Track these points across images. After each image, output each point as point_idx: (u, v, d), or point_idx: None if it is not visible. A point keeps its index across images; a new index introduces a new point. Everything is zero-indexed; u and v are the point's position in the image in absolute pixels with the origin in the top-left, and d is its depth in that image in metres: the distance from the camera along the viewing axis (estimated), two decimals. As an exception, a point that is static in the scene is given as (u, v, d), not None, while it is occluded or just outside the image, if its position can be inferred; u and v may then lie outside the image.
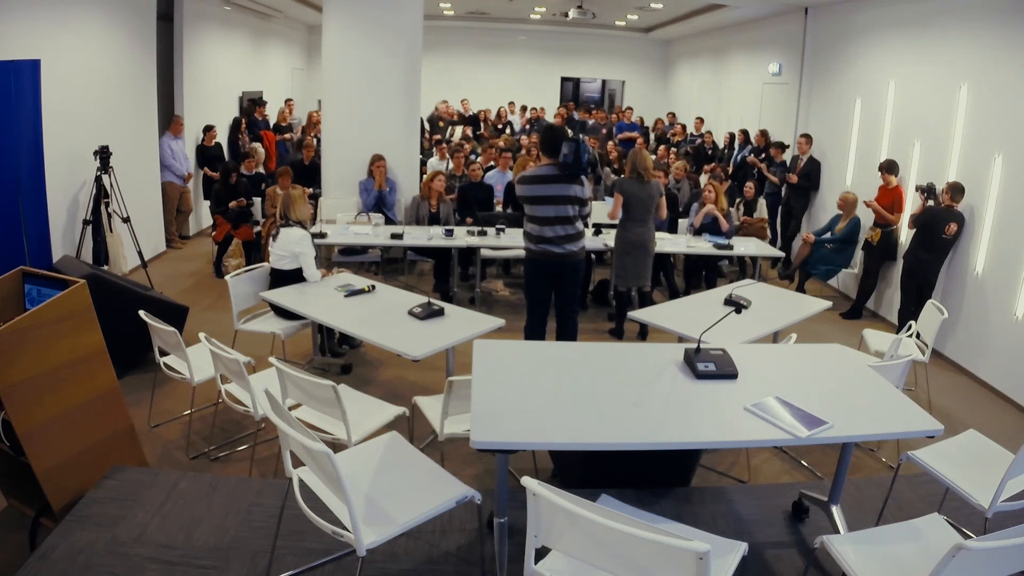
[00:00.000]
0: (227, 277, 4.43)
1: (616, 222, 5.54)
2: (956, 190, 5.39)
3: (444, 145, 9.30)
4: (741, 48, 10.78)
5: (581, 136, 4.67)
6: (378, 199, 7.17)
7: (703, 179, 8.00)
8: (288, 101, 11.18)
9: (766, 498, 3.18)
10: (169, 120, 7.86)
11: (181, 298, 5.37)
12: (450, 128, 11.52)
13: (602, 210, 7.48)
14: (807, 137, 7.92)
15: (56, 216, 5.58)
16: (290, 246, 4.45)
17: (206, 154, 8.39)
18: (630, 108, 13.16)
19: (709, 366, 2.71)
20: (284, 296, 4.31)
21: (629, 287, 5.57)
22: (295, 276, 4.50)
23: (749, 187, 7.58)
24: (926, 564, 1.91)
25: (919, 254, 5.65)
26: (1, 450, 2.86)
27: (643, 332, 5.67)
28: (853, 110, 7.25)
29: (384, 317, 3.93)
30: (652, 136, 11.96)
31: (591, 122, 12.34)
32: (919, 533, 2.30)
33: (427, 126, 10.89)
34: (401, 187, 7.40)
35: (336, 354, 4.95)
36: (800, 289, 6.84)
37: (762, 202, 7.84)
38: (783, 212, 8.31)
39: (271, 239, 4.59)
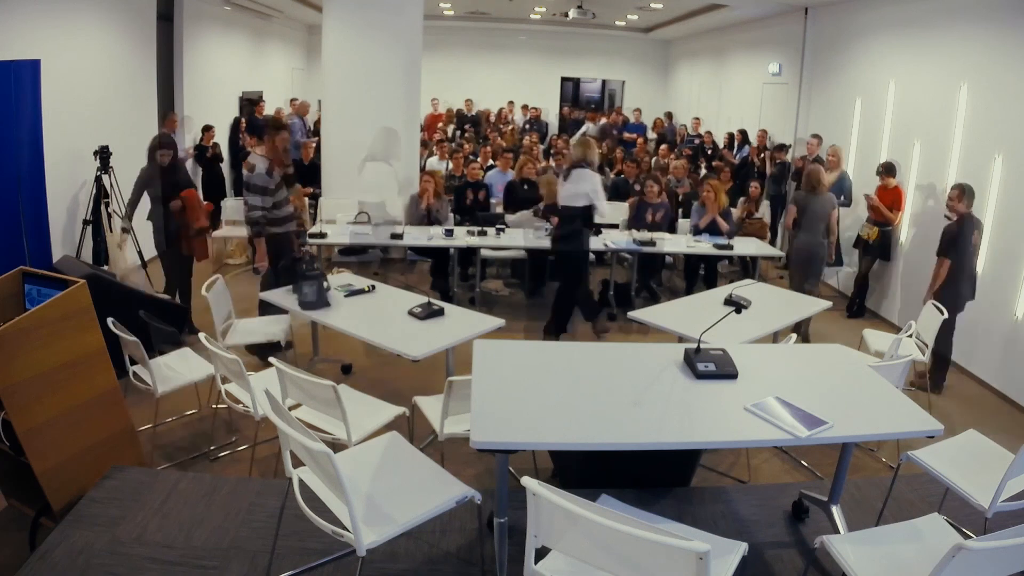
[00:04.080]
0: (223, 278, 4.41)
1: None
2: (969, 194, 4.81)
3: (444, 145, 9.29)
4: (741, 48, 10.78)
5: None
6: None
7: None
8: (293, 101, 11.17)
9: (766, 498, 3.18)
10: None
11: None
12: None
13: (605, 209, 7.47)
14: (817, 137, 7.80)
15: (56, 216, 5.57)
16: None
17: (204, 154, 8.38)
18: (638, 109, 13.12)
19: (709, 366, 2.71)
20: (283, 296, 4.31)
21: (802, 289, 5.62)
22: None
23: (755, 187, 7.54)
24: (926, 564, 1.91)
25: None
26: (1, 450, 2.86)
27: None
28: (853, 110, 7.25)
29: (384, 317, 3.93)
30: (653, 136, 11.95)
31: (602, 121, 12.31)
32: (919, 533, 2.30)
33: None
34: (401, 187, 7.40)
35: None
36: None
37: (763, 202, 7.84)
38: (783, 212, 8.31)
39: None
